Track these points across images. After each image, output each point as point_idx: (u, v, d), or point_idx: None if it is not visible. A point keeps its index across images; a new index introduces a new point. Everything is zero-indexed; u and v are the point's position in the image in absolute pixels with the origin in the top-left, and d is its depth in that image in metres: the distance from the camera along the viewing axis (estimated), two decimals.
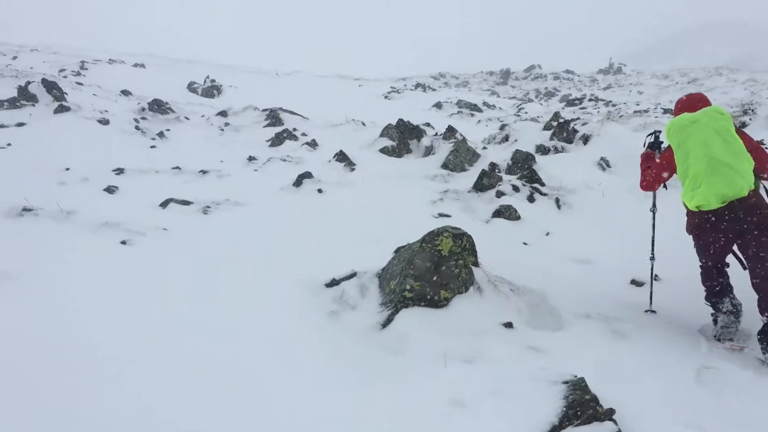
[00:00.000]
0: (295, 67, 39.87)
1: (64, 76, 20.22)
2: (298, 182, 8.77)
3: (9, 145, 10.04)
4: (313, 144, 11.25)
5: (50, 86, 13.21)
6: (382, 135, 11.20)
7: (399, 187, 8.76)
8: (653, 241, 5.67)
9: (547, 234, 7.37)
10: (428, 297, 4.75)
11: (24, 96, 12.94)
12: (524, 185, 8.49)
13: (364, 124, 13.15)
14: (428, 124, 13.13)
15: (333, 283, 5.34)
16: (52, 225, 6.40)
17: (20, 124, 11.40)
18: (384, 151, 10.66)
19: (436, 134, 11.84)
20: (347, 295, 5.14)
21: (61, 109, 12.35)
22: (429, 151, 10.79)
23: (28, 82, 13.43)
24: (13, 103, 12.71)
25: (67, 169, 8.87)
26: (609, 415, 3.29)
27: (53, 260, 5.37)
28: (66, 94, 13.42)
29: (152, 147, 11.24)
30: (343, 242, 6.50)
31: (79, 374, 3.53)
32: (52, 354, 3.70)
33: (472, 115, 20.52)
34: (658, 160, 5.22)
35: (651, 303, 5.42)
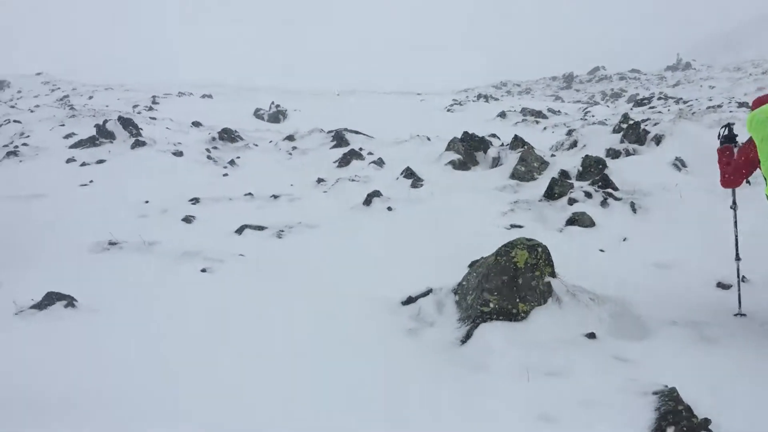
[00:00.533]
0: (355, 86, 40.36)
1: (138, 112, 21.05)
2: (367, 201, 8.85)
3: (91, 182, 10.52)
4: (379, 162, 11.34)
5: (126, 123, 13.79)
6: (447, 149, 11.19)
7: (468, 201, 8.72)
8: (737, 240, 5.44)
9: (624, 239, 7.19)
10: (506, 310, 4.70)
11: (102, 134, 13.55)
12: (597, 191, 8.32)
13: (428, 139, 13.17)
14: (494, 135, 13.05)
15: (409, 300, 5.36)
16: (137, 257, 6.68)
17: (100, 161, 11.94)
18: (451, 164, 10.64)
19: (502, 144, 11.75)
20: (424, 312, 5.15)
21: (137, 144, 12.86)
22: (496, 162, 10.72)
23: (106, 121, 14.06)
24: (92, 142, 13.33)
25: (147, 201, 9.22)
26: (705, 425, 3.17)
27: (139, 292, 5.59)
28: (141, 129, 13.97)
29: (224, 175, 11.57)
30: (415, 259, 6.52)
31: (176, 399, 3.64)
32: (141, 385, 3.84)
33: (538, 122, 20.26)
34: (737, 155, 5.01)
35: (740, 306, 5.19)
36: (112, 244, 7.01)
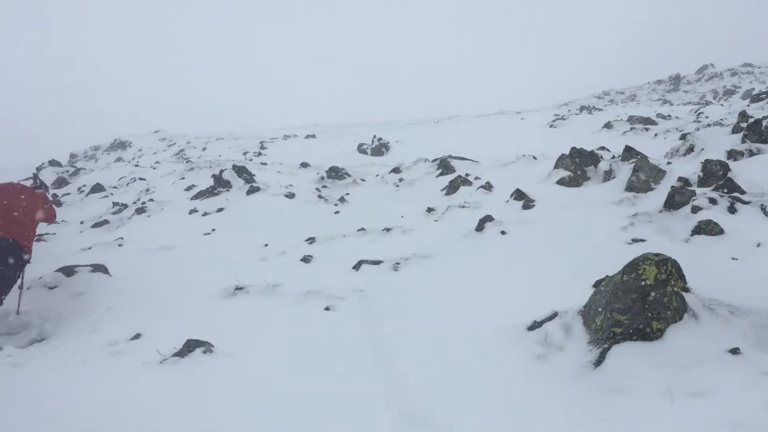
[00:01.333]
0: (453, 112, 40.46)
1: (250, 159, 21.99)
2: (479, 227, 8.82)
3: (213, 230, 11.07)
4: (487, 186, 11.29)
5: (240, 171, 14.45)
6: (556, 166, 10.99)
7: (584, 218, 8.50)
8: None
9: (758, 245, 6.76)
10: (639, 330, 4.53)
11: (219, 183, 14.26)
12: (721, 196, 7.89)
13: (535, 158, 13.00)
14: (603, 148, 12.69)
15: (535, 325, 5.27)
16: (263, 300, 6.95)
17: (220, 210, 12.54)
18: (561, 182, 10.44)
19: (613, 156, 11.40)
20: (552, 336, 5.04)
21: (252, 190, 13.43)
22: (608, 175, 10.41)
23: (222, 170, 14.79)
24: (211, 191, 14.05)
25: (266, 245, 9.59)
26: None
27: (269, 334, 5.80)
28: (254, 175, 14.58)
29: (336, 212, 11.87)
30: (536, 282, 6.41)
31: None
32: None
33: (647, 129, 19.51)
34: None
35: None
36: (238, 288, 7.32)
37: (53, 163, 26.93)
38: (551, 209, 9.18)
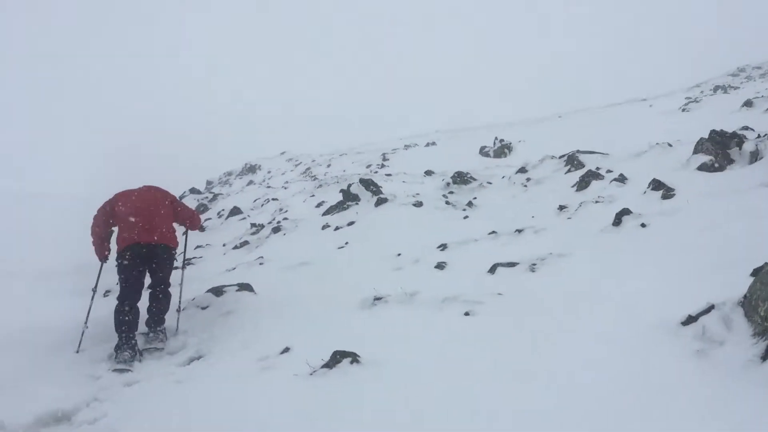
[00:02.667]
0: (576, 105, 39.27)
1: (375, 171, 22.43)
2: (617, 221, 8.48)
3: (347, 243, 11.35)
4: (621, 179, 10.84)
5: (367, 184, 14.75)
6: (695, 152, 10.38)
7: (731, 203, 7.96)
8: None
9: None
10: None
11: (348, 197, 14.62)
12: None
13: (670, 144, 12.34)
14: (746, 128, 11.87)
15: (689, 320, 4.98)
16: (402, 308, 7.02)
17: (351, 223, 12.85)
18: (702, 168, 9.84)
19: (759, 136, 10.61)
20: (709, 330, 4.74)
21: (380, 201, 13.67)
22: (755, 156, 9.69)
23: (349, 185, 15.17)
24: (340, 206, 14.43)
25: (399, 254, 9.71)
26: None
27: (413, 341, 5.84)
28: (381, 187, 14.83)
29: (465, 217, 11.83)
30: (683, 274, 6.06)
31: None
32: None
33: None
34: None
35: None
36: (377, 299, 7.45)
37: (194, 191, 28.67)
38: (694, 197, 8.67)
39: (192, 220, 8.28)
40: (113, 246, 7.59)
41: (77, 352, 7.06)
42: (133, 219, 7.34)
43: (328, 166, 31.35)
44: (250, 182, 35.26)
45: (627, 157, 12.75)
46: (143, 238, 7.25)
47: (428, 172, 18.36)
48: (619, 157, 13.01)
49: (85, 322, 7.30)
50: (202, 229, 8.65)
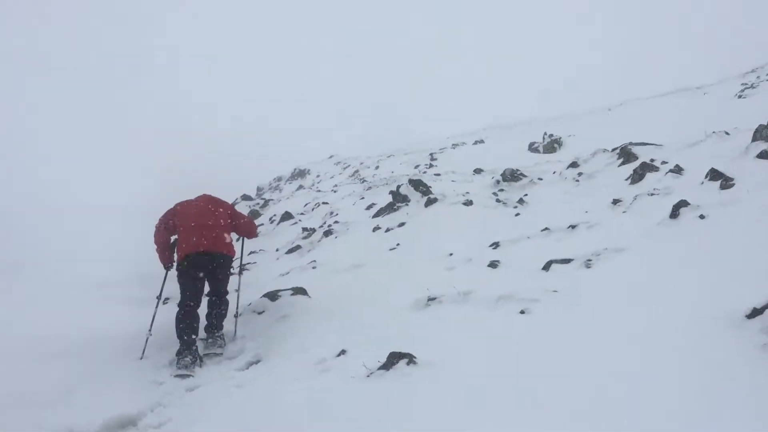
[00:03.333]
0: (623, 97, 38.45)
1: (423, 172, 22.40)
2: (674, 214, 8.27)
3: (398, 245, 11.37)
4: (677, 170, 10.57)
5: (416, 184, 14.74)
6: (754, 139, 10.04)
7: None
8: None
9: None
10: None
11: (398, 198, 14.64)
12: None
13: (727, 133, 11.97)
14: None
15: (755, 312, 4.82)
16: (456, 308, 7.00)
17: (401, 224, 12.86)
18: (762, 156, 9.50)
19: None
20: None
21: (430, 201, 13.64)
22: None
23: (398, 186, 15.19)
24: (390, 208, 14.47)
25: (451, 254, 9.68)
26: None
27: (468, 341, 5.82)
28: (430, 187, 14.79)
29: (516, 215, 11.72)
30: (748, 265, 5.88)
31: None
32: None
33: None
34: None
35: None
36: (431, 299, 7.44)
37: (245, 197, 29.13)
38: (755, 186, 8.39)
39: (249, 231, 8.48)
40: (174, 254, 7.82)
41: (141, 358, 7.26)
42: (193, 229, 7.55)
43: (376, 167, 31.42)
44: (300, 187, 35.62)
45: (682, 147, 12.42)
46: (203, 247, 7.44)
47: (477, 171, 18.24)
48: (674, 147, 12.69)
49: (149, 329, 7.51)
50: (255, 235, 8.81)
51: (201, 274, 7.48)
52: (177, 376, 6.61)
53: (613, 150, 14.28)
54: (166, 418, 5.49)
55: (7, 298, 11.68)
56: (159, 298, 7.90)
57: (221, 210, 7.97)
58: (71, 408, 5.78)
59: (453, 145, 32.26)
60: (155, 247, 7.87)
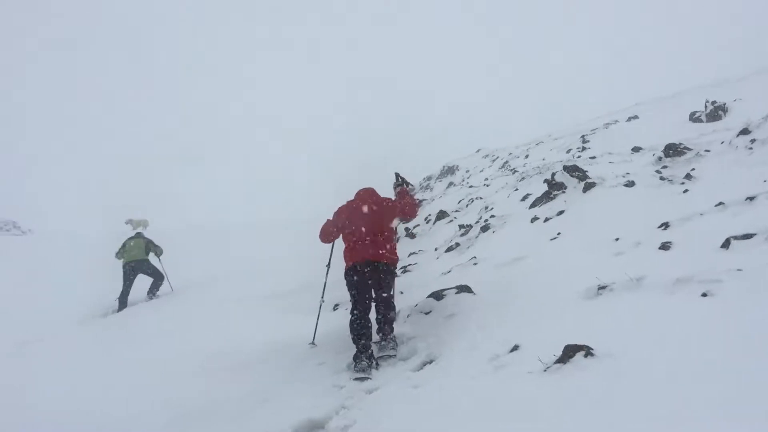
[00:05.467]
0: None
1: (577, 156, 21.67)
2: None
3: (559, 234, 11.10)
4: None
5: (571, 170, 14.30)
6: None
7: None
8: None
9: None
10: None
11: (553, 186, 14.29)
12: None
13: None
14: None
15: None
16: (630, 295, 6.71)
17: (560, 212, 12.53)
18: None
19: None
20: None
21: (588, 186, 13.18)
22: None
23: (553, 173, 14.81)
24: (546, 196, 14.14)
25: (617, 239, 9.29)
26: None
27: (644, 330, 5.56)
28: (586, 171, 14.29)
29: (684, 191, 11.03)
30: None
31: None
32: None
33: None
34: None
35: None
36: (601, 288, 7.19)
37: None
38: None
39: (410, 211, 8.51)
40: (340, 261, 8.18)
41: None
42: (359, 236, 7.87)
43: (526, 156, 30.80)
44: (450, 184, 35.73)
45: None
46: (368, 256, 7.71)
47: (635, 149, 17.37)
48: None
49: (312, 341, 8.08)
50: (415, 215, 8.79)
51: (369, 281, 7.76)
52: (356, 379, 6.90)
53: None
54: (352, 420, 5.74)
55: (195, 311, 12.78)
56: (322, 300, 8.46)
57: (389, 216, 8.20)
58: (260, 414, 6.22)
59: (605, 124, 30.86)
60: (321, 238, 8.37)
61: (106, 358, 10.43)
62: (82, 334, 14.03)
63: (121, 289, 17.19)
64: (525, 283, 8.79)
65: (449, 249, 14.34)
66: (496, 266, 10.53)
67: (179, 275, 18.66)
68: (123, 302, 16.93)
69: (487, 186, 22.44)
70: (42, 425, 7.26)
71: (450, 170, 42.56)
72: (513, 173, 24.26)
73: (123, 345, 11.47)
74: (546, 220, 12.61)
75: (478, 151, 46.08)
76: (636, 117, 29.70)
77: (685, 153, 13.97)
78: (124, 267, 17.69)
